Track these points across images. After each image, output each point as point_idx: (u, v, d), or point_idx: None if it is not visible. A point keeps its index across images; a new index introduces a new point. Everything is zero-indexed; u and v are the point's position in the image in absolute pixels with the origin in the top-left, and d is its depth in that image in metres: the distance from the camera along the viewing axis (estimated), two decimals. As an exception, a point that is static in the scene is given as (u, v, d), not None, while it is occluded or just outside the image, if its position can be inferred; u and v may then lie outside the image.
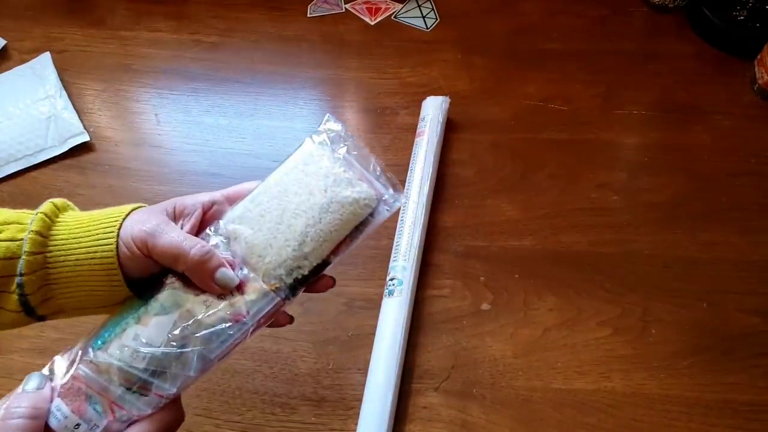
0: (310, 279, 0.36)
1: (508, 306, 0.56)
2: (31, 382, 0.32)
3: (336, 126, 0.39)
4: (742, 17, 0.72)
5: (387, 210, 0.38)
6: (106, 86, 0.75)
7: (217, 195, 0.38)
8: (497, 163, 0.66)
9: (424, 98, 0.69)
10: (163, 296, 0.35)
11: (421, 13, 0.81)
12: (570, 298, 0.56)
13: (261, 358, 0.54)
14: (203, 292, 0.35)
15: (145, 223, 0.34)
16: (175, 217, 0.36)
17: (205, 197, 0.37)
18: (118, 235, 0.34)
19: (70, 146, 0.68)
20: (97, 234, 0.34)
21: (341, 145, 0.38)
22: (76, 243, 0.34)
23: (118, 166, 0.68)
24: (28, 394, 0.31)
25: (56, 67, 0.75)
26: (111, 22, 0.82)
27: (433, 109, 0.66)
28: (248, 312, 0.35)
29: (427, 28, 0.79)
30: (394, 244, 0.57)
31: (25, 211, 0.35)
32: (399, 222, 0.58)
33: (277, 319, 0.37)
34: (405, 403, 0.51)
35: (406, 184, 0.61)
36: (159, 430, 0.33)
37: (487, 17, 0.80)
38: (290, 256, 0.35)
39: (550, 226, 0.61)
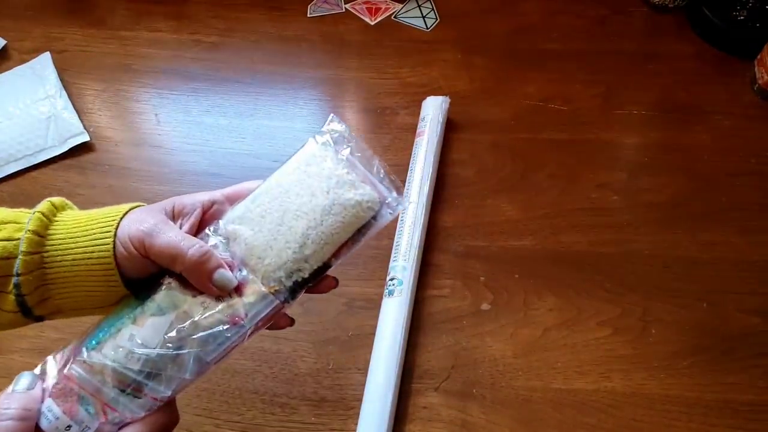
0: (310, 282, 0.36)
1: (508, 306, 0.56)
2: (22, 382, 0.32)
3: (340, 126, 0.38)
4: (742, 17, 0.72)
5: (390, 213, 0.37)
6: (106, 86, 0.75)
7: (217, 194, 0.37)
8: (497, 163, 0.66)
9: (424, 98, 0.69)
10: (160, 297, 0.34)
11: (421, 13, 0.81)
12: (570, 298, 0.56)
13: (261, 358, 0.54)
14: (201, 293, 0.34)
15: (143, 222, 0.34)
16: (174, 216, 0.36)
17: (204, 196, 0.37)
18: (115, 234, 0.33)
19: (70, 146, 0.68)
20: (95, 233, 0.33)
21: (345, 146, 0.37)
22: (73, 243, 0.33)
23: (118, 166, 0.68)
24: (18, 394, 0.31)
25: (56, 67, 0.75)
26: (111, 22, 0.82)
27: (433, 109, 0.66)
28: (246, 315, 0.34)
29: (427, 28, 0.79)
30: (394, 244, 0.57)
31: (22, 210, 0.35)
32: (399, 222, 0.58)
33: (277, 321, 0.36)
34: (405, 403, 0.51)
35: (406, 184, 0.61)
36: None
37: (487, 17, 0.80)
38: (290, 259, 0.35)
39: (550, 226, 0.61)
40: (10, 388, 0.31)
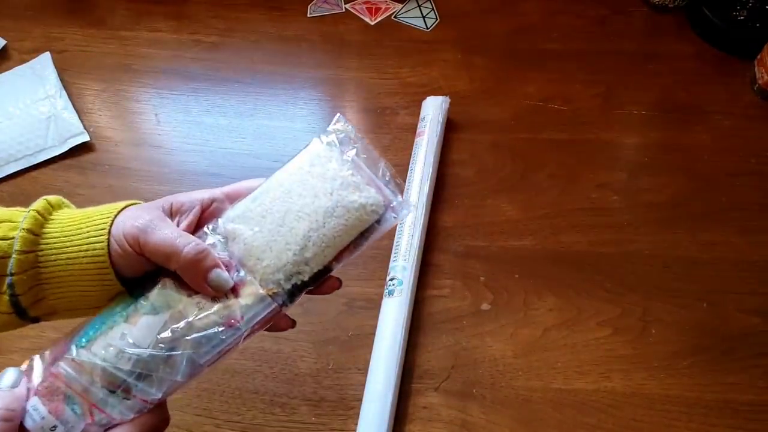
0: (310, 285, 0.35)
1: (508, 306, 0.56)
2: (6, 378, 0.30)
3: (346, 127, 0.37)
4: (742, 17, 0.72)
5: (394, 218, 0.36)
6: (106, 86, 0.75)
7: (217, 192, 0.36)
8: (497, 163, 0.66)
9: (424, 98, 0.69)
10: (154, 295, 0.33)
11: (421, 13, 0.81)
12: (570, 298, 0.56)
13: (261, 358, 0.54)
14: (197, 293, 0.33)
15: (138, 218, 0.33)
16: (172, 214, 0.35)
17: (204, 194, 0.36)
18: (109, 232, 0.32)
19: (70, 146, 0.68)
20: (89, 231, 0.32)
21: (350, 147, 0.36)
22: (68, 241, 0.32)
23: (118, 166, 0.68)
24: (2, 392, 0.30)
25: (56, 67, 0.75)
26: (111, 22, 0.82)
27: (433, 109, 0.66)
28: (243, 317, 0.33)
29: (427, 28, 0.79)
30: (394, 244, 0.57)
31: (18, 209, 0.34)
32: (399, 222, 0.58)
33: (278, 323, 0.36)
34: (405, 403, 0.51)
35: (406, 184, 0.61)
36: None
37: (487, 17, 0.80)
38: (290, 261, 0.34)
39: (550, 226, 0.61)
40: None
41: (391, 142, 0.68)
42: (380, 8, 0.82)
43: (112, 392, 0.31)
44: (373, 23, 0.80)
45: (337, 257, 0.35)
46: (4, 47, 0.79)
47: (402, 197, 0.36)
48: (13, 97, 0.72)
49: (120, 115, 0.72)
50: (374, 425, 0.47)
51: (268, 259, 0.34)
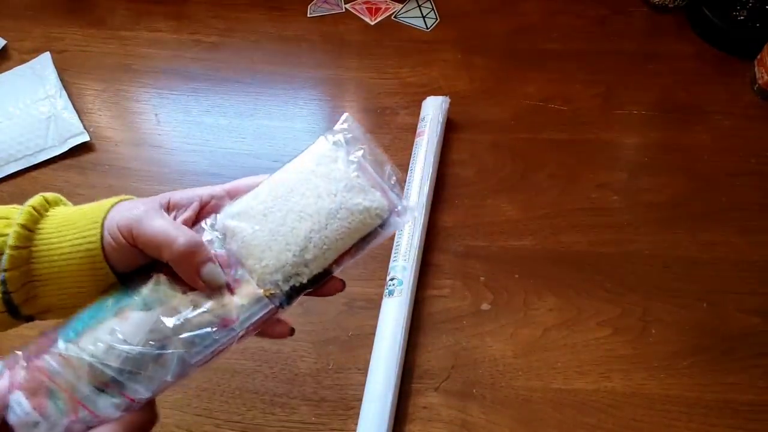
0: (309, 288, 0.34)
1: (508, 306, 0.56)
2: None
3: (354, 127, 0.35)
4: (742, 17, 0.72)
5: (398, 222, 0.35)
6: (106, 86, 0.75)
7: (217, 189, 0.35)
8: (497, 163, 0.66)
9: (424, 98, 0.69)
10: (147, 291, 0.32)
11: (421, 13, 0.81)
12: (570, 298, 0.56)
13: (261, 358, 0.54)
14: (191, 290, 0.32)
15: (132, 209, 0.32)
16: (169, 209, 0.34)
17: (204, 191, 0.35)
18: (102, 225, 0.32)
19: (70, 146, 0.68)
20: (82, 225, 0.32)
21: (357, 147, 0.35)
22: (62, 236, 0.31)
23: (118, 166, 0.68)
24: None
25: (56, 67, 0.75)
26: (111, 22, 0.82)
27: (433, 109, 0.66)
28: (238, 317, 0.32)
29: (427, 28, 0.79)
30: (394, 244, 0.57)
31: (15, 206, 0.33)
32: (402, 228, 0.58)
33: (275, 331, 0.34)
34: (405, 403, 0.51)
35: (406, 184, 0.61)
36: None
37: (487, 17, 0.80)
38: (290, 262, 0.33)
39: (550, 226, 0.61)
40: None
41: (391, 142, 0.68)
42: (380, 8, 0.82)
43: (99, 389, 0.30)
44: (373, 23, 0.80)
45: (338, 260, 0.34)
46: (4, 47, 0.79)
47: (407, 202, 0.35)
48: (13, 97, 0.72)
49: (120, 115, 0.72)
50: (374, 425, 0.47)
51: (267, 258, 0.33)
